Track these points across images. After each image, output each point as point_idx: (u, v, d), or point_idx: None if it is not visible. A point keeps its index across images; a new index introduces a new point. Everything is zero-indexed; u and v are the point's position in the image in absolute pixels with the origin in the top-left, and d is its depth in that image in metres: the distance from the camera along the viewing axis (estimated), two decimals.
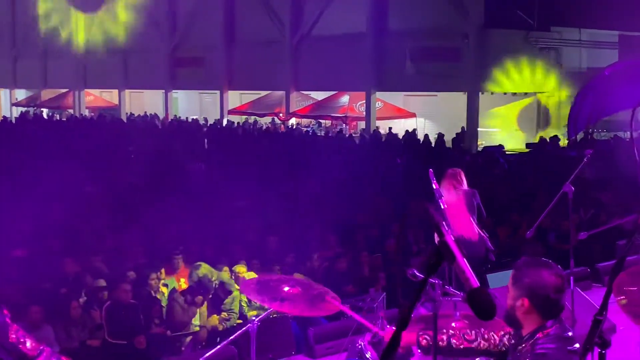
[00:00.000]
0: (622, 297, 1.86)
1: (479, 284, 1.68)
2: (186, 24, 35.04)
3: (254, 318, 4.03)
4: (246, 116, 33.89)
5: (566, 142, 23.63)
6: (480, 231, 7.62)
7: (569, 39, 27.25)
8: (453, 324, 4.20)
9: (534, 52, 26.45)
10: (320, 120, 32.14)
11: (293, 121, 32.29)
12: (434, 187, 4.75)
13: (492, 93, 27.13)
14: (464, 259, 1.69)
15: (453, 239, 1.71)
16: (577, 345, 2.99)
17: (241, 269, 8.44)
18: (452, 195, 7.53)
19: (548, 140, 23.24)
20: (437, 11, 26.04)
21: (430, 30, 26.08)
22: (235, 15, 33.56)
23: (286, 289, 3.90)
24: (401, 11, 27.02)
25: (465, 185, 7.77)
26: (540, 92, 27.57)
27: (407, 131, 27.03)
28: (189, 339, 8.17)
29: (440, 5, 26.10)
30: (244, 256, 9.94)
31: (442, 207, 4.76)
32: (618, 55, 25.91)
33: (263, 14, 31.69)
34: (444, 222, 1.73)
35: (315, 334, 6.42)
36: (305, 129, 30.80)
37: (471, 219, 7.57)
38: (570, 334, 3.13)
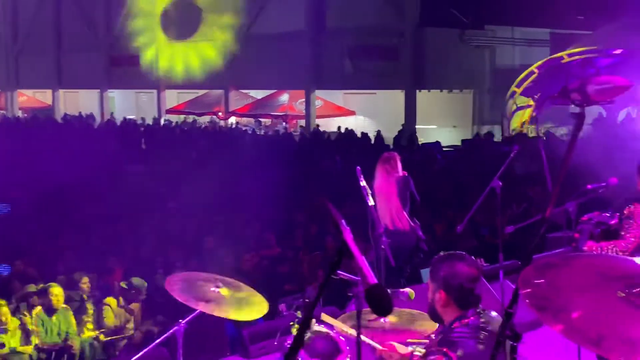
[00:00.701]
0: (527, 290, 1.91)
1: (376, 281, 1.70)
2: (122, 22, 34.43)
3: (180, 320, 4.00)
4: (184, 115, 33.52)
5: (501, 138, 24.12)
6: (411, 220, 7.49)
7: (502, 37, 27.88)
8: (382, 320, 4.25)
9: (469, 50, 26.95)
10: (259, 119, 32.03)
11: (232, 120, 32.10)
12: (362, 184, 4.79)
13: (429, 90, 27.52)
14: (363, 256, 1.71)
15: (352, 236, 1.72)
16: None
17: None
18: (384, 181, 7.31)
19: (482, 136, 23.70)
20: (374, 10, 26.24)
21: (368, 29, 26.29)
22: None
23: (213, 289, 3.88)
24: (339, 10, 27.16)
25: (399, 171, 7.45)
26: (475, 89, 28.10)
27: (345, 129, 27.16)
28: (123, 342, 8.04)
29: (377, 4, 26.31)
30: (180, 256, 9.86)
31: (370, 204, 4.79)
32: (549, 53, 26.60)
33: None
34: (342, 220, 1.74)
35: (250, 334, 6.40)
36: (245, 128, 30.67)
37: (402, 208, 7.41)
38: (490, 328, 3.19)
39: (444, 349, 3.13)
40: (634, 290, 1.87)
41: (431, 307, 3.31)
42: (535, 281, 1.93)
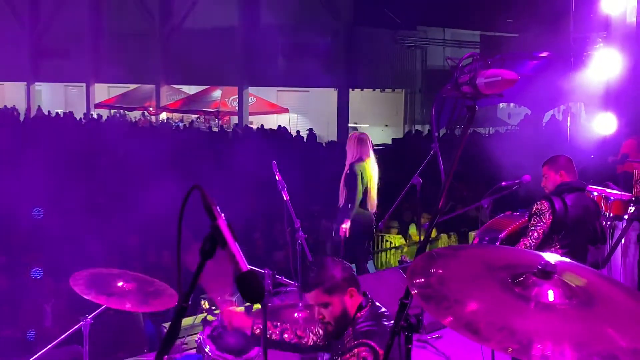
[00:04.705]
0: (415, 280, 1.93)
1: (248, 268, 1.70)
2: (50, 12, 33.48)
3: (87, 316, 3.91)
4: (114, 110, 32.85)
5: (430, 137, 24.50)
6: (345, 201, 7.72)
7: (434, 37, 28.37)
8: (296, 314, 4.26)
9: (401, 50, 27.32)
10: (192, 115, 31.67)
11: (163, 116, 31.64)
12: (277, 179, 4.80)
13: (361, 89, 27.74)
14: (236, 243, 1.70)
15: (225, 222, 1.71)
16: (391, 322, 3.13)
17: None
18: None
19: (413, 135, 24.05)
20: (308, 8, 26.34)
21: (302, 27, 26.35)
22: (102, 4, 32.46)
23: (120, 284, 3.80)
24: (273, 6, 27.11)
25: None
26: (407, 89, 28.50)
27: (278, 126, 27.18)
28: (38, 339, 7.81)
29: (311, 2, 26.40)
30: (102, 255, 9.65)
31: (285, 198, 4.80)
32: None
33: (131, 4, 30.83)
34: (217, 206, 1.73)
35: None
36: (175, 124, 30.27)
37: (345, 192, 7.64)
38: (383, 309, 3.27)
39: (362, 340, 3.14)
40: (517, 280, 1.92)
41: (340, 318, 3.27)
42: (423, 271, 1.96)
